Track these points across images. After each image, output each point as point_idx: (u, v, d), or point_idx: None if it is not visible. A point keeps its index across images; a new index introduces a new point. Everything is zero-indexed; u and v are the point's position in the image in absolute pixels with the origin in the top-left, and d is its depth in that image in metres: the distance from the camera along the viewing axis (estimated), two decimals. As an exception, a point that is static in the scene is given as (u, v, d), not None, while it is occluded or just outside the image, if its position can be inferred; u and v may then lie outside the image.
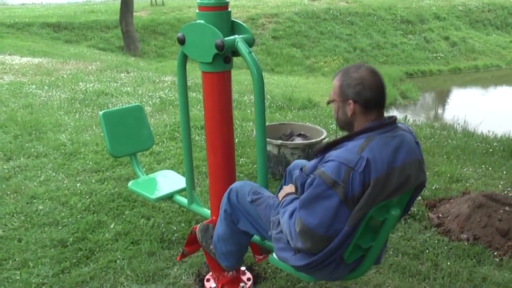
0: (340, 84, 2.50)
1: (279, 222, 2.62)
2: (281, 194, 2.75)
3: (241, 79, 11.50)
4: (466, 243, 4.08)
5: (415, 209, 4.60)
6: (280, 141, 5.19)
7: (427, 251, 3.99)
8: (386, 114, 2.54)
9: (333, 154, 2.37)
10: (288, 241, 2.53)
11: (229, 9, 2.96)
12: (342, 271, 2.56)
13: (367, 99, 2.45)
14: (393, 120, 2.51)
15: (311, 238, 2.37)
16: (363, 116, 2.48)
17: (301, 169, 2.62)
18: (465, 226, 4.24)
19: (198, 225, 3.28)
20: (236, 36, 2.88)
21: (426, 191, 5.01)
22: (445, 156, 6.17)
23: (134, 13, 18.64)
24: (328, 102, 2.62)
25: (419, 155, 2.52)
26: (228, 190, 2.95)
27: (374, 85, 2.46)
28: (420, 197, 4.86)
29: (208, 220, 3.32)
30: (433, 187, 5.11)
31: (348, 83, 2.47)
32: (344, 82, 2.49)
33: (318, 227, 2.34)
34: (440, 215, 4.52)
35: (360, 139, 2.39)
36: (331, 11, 20.82)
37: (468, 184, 5.30)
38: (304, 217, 2.37)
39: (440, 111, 13.98)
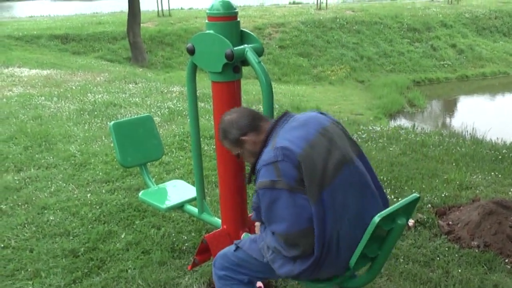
0: (227, 141, 2.70)
1: (267, 246, 2.63)
2: (257, 228, 2.87)
3: (249, 88, 11.55)
4: (476, 250, 4.07)
5: (425, 217, 4.60)
6: (289, 150, 5.19)
7: (438, 258, 3.99)
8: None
9: (258, 165, 2.49)
10: (282, 255, 2.55)
11: (238, 19, 2.99)
12: (340, 266, 2.54)
13: (247, 124, 2.64)
14: (284, 113, 2.65)
15: (298, 240, 2.41)
16: (259, 136, 2.62)
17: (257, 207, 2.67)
18: (476, 233, 4.23)
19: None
20: (245, 45, 2.91)
21: (435, 198, 5.01)
22: (454, 164, 6.16)
23: (141, 24, 18.76)
24: (238, 157, 2.76)
25: (330, 119, 2.62)
26: (212, 266, 2.92)
27: (239, 113, 2.68)
28: (429, 205, 4.86)
29: None
30: (443, 195, 5.10)
31: (228, 132, 2.67)
32: (227, 135, 2.68)
33: (292, 227, 2.38)
34: (450, 222, 4.51)
35: (270, 142, 2.52)
36: (338, 20, 20.88)
37: (477, 191, 5.29)
38: (277, 229, 2.43)
39: (448, 118, 13.96)
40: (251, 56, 2.85)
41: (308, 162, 2.38)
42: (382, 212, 2.38)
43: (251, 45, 2.92)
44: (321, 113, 2.69)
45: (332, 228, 2.43)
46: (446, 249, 4.13)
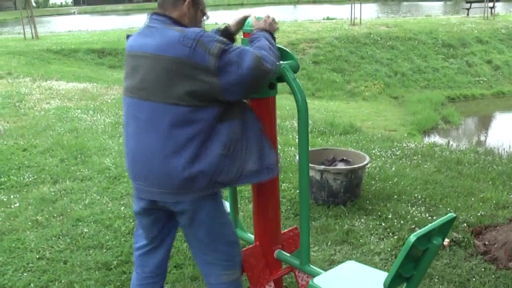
0: None
1: None
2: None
3: (282, 103, 11.54)
4: (514, 272, 3.99)
5: (460, 236, 4.52)
6: (322, 167, 5.19)
7: (474, 279, 3.91)
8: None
9: None
10: None
11: (274, 36, 2.99)
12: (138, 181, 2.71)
13: None
14: (154, 12, 2.67)
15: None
16: None
17: None
18: (513, 254, 4.15)
19: None
20: (281, 62, 2.91)
21: (471, 217, 4.92)
22: (490, 182, 6.05)
23: (176, 39, 18.97)
24: None
25: (164, 51, 2.50)
26: None
27: None
28: (465, 224, 4.78)
29: None
30: (479, 214, 5.01)
31: None
32: None
33: None
34: (487, 242, 4.43)
35: None
36: (372, 35, 20.78)
37: (515, 211, 5.19)
38: None
39: (483, 135, 13.73)
40: (286, 72, 2.85)
41: (126, 61, 2.72)
42: (419, 231, 2.35)
43: (286, 62, 2.93)
44: (181, 38, 2.50)
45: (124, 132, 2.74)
46: (482, 269, 4.05)
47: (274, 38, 2.85)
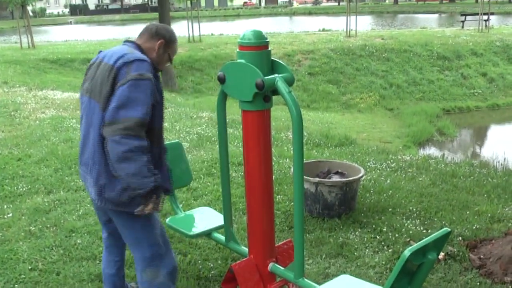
0: None
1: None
2: None
3: (277, 115, 11.55)
4: (510, 286, 3.97)
5: (455, 250, 4.51)
6: (317, 179, 5.18)
7: (469, 293, 3.90)
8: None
9: None
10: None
11: (269, 49, 3.00)
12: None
13: None
14: (126, 40, 3.24)
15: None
16: None
17: None
18: (509, 269, 4.13)
19: None
20: (276, 75, 2.91)
21: (466, 231, 4.91)
22: (485, 195, 6.05)
23: (172, 50, 18.96)
24: None
25: (114, 61, 2.91)
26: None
27: None
28: (460, 237, 4.77)
29: None
30: (474, 227, 5.00)
31: None
32: None
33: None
34: (482, 256, 4.42)
35: None
36: (367, 47, 20.87)
37: (510, 224, 5.17)
38: None
39: (478, 148, 13.77)
40: (281, 86, 2.85)
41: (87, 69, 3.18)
42: (414, 246, 2.34)
43: (281, 75, 2.93)
44: (125, 55, 2.92)
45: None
46: (478, 283, 4.03)
47: None
